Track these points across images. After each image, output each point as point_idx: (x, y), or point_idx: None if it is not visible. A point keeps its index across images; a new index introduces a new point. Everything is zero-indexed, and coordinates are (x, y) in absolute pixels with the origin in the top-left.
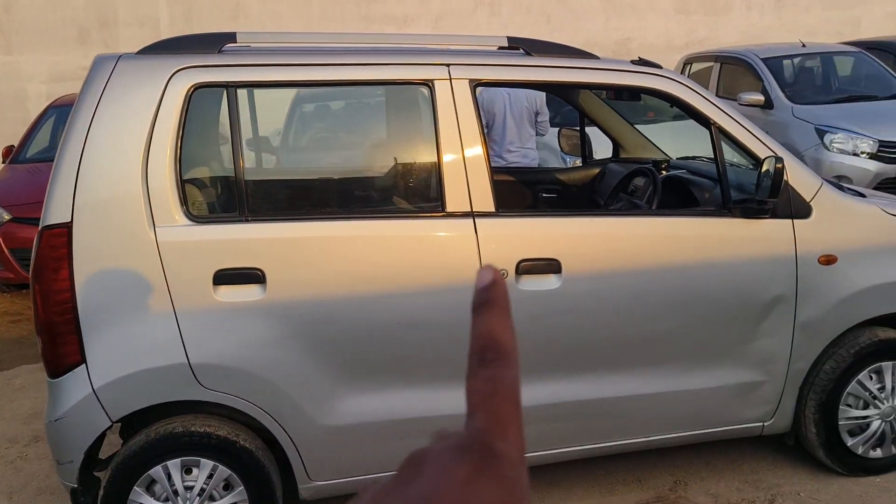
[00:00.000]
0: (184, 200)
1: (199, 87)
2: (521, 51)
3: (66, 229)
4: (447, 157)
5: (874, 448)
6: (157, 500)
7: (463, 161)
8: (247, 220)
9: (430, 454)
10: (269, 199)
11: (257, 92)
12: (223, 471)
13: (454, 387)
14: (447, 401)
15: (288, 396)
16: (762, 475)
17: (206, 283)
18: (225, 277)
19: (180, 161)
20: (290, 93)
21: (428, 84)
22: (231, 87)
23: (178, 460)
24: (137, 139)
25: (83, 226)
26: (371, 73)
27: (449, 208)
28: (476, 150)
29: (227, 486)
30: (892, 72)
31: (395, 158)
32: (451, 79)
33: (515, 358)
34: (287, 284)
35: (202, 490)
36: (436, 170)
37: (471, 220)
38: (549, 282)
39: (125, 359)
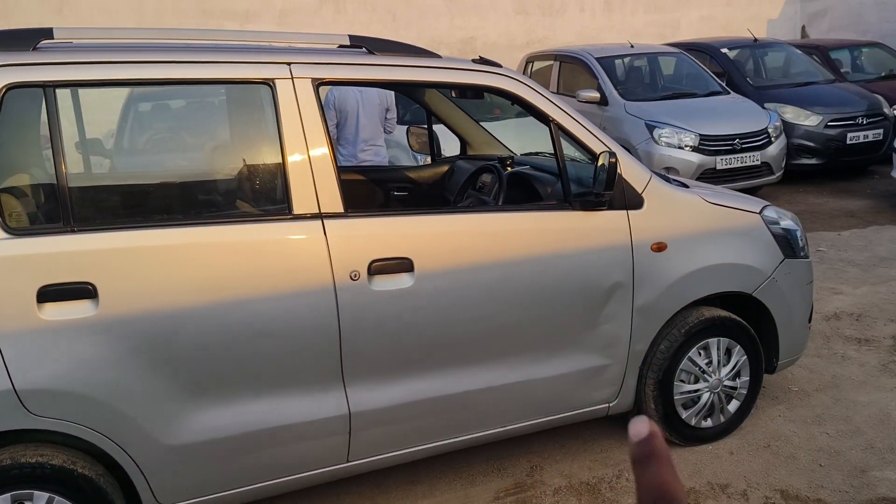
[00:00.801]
0: (0, 211)
1: (11, 87)
2: (364, 49)
3: None
4: (292, 158)
5: (705, 418)
6: None
7: (309, 161)
8: (73, 231)
9: None
10: (99, 207)
11: (83, 92)
12: (61, 502)
13: (309, 392)
14: (302, 407)
15: (128, 418)
16: (611, 452)
17: (29, 301)
18: (50, 294)
19: None
20: (124, 92)
21: (269, 83)
22: (49, 86)
23: (7, 495)
24: None
25: None
26: (208, 72)
27: (296, 210)
28: (322, 150)
29: None
30: (709, 71)
31: (239, 160)
32: (293, 77)
33: None
34: (122, 298)
35: None
36: (281, 171)
37: (319, 222)
38: (402, 280)
39: None
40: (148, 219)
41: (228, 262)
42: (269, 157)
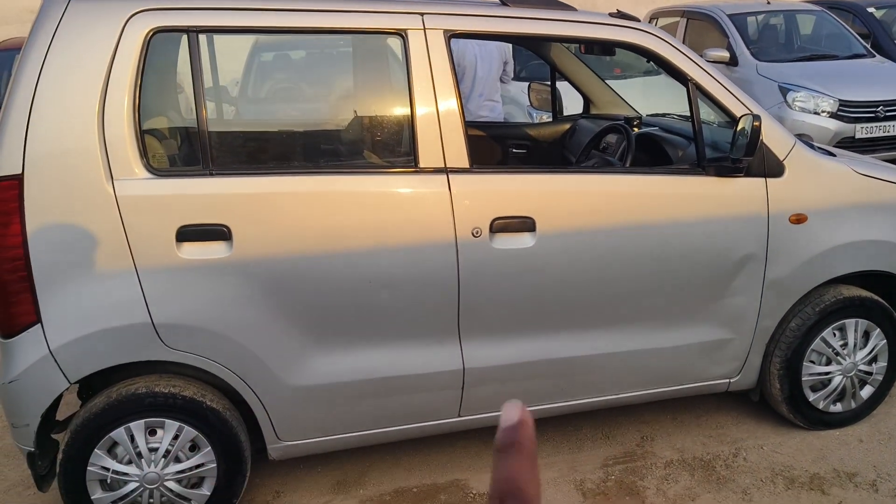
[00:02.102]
0: (143, 153)
1: (158, 31)
2: (498, 1)
3: (16, 181)
4: (420, 111)
5: (834, 403)
6: (120, 462)
7: (437, 115)
8: (211, 174)
9: None
10: (233, 153)
11: (217, 38)
12: (189, 432)
13: (425, 345)
14: (418, 359)
15: (255, 356)
16: (727, 429)
17: (168, 240)
18: (189, 234)
19: (139, 111)
20: (250, 40)
21: (401, 34)
22: (192, 31)
23: (141, 422)
24: (92, 87)
25: (35, 178)
26: (342, 21)
27: (422, 164)
28: (450, 104)
29: (194, 447)
30: (852, 31)
31: (365, 111)
32: (425, 29)
33: None
34: (254, 242)
35: (167, 452)
36: (408, 124)
37: (444, 176)
38: (524, 240)
39: (83, 318)
40: (280, 166)
41: (354, 211)
42: (397, 110)
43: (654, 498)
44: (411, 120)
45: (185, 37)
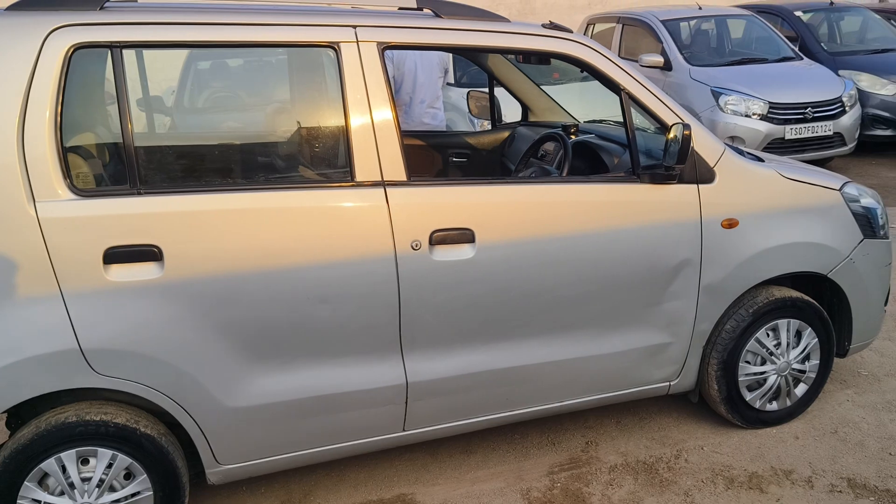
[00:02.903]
0: (67, 172)
1: (79, 46)
2: (430, 12)
3: None
4: (355, 124)
5: (770, 401)
6: (52, 493)
7: (372, 128)
8: (139, 193)
9: None
10: (163, 169)
11: (147, 50)
12: (123, 459)
13: (367, 361)
14: (360, 375)
15: (191, 379)
16: (668, 432)
17: (95, 263)
18: (116, 256)
19: (61, 129)
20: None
21: (334, 47)
22: (116, 47)
23: (72, 451)
24: (11, 105)
25: None
26: (272, 35)
27: (358, 178)
28: (386, 117)
29: (129, 475)
30: (781, 35)
31: (300, 125)
32: (358, 41)
33: None
34: (187, 261)
35: (101, 481)
36: (344, 138)
37: (382, 190)
38: (464, 251)
39: (8, 347)
40: (211, 182)
41: (290, 228)
42: (332, 123)
43: None
44: (346, 134)
45: (109, 52)
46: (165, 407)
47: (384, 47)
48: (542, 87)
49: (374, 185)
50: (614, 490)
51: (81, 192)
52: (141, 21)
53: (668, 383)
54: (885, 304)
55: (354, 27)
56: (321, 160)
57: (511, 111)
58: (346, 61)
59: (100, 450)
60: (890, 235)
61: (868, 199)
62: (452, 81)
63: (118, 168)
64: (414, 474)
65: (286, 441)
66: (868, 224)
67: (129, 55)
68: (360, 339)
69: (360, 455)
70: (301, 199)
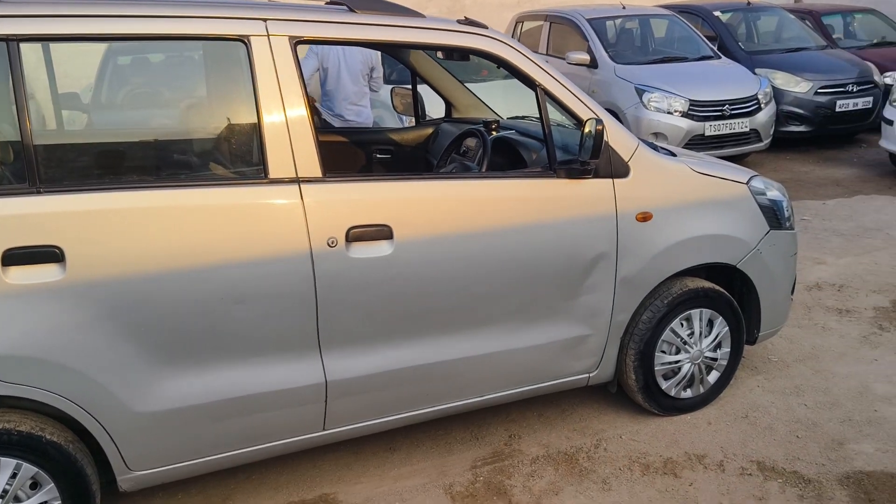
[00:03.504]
0: None
1: None
2: (345, 7)
3: None
4: (268, 120)
5: (685, 389)
6: None
7: (286, 124)
8: (38, 192)
9: None
10: (67, 167)
11: (55, 45)
12: (28, 469)
13: (285, 360)
14: (278, 375)
15: (98, 384)
16: (589, 422)
17: None
18: (16, 257)
19: None
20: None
21: (243, 40)
22: (11, 40)
23: None
24: None
25: None
26: (180, 27)
27: (272, 175)
28: (299, 113)
29: (35, 485)
30: (701, 35)
31: (214, 121)
32: (269, 35)
33: None
34: (92, 263)
35: (4, 491)
36: (257, 134)
37: (296, 187)
38: (381, 248)
39: None
40: (118, 180)
41: (202, 226)
42: (245, 119)
43: (521, 496)
44: (259, 130)
45: (6, 46)
46: (72, 414)
47: (296, 41)
48: (470, 83)
49: (289, 181)
50: (535, 481)
51: None
52: (39, 13)
53: (587, 375)
54: (792, 292)
55: (265, 20)
56: (234, 157)
57: (437, 108)
58: (257, 55)
59: (3, 459)
60: (796, 227)
61: (774, 192)
62: (382, 83)
63: (17, 166)
64: (336, 473)
65: (202, 445)
66: (774, 216)
67: (30, 49)
68: (277, 339)
69: (281, 456)
70: (213, 196)
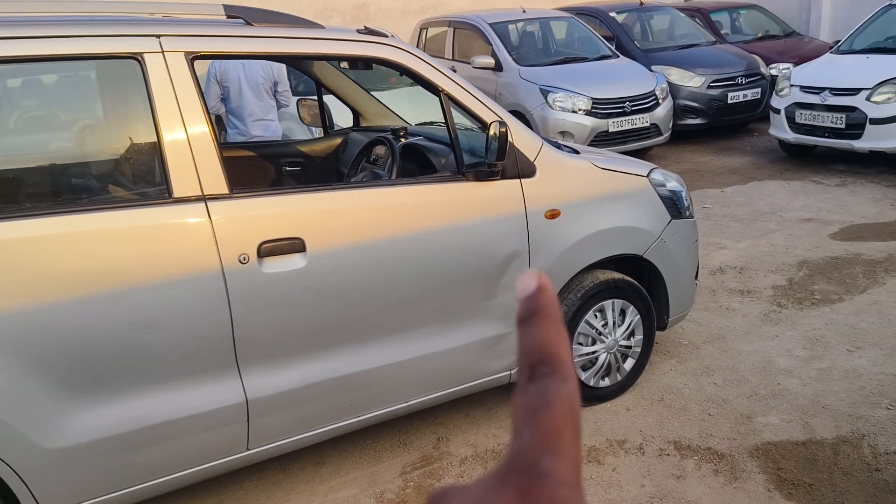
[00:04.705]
0: None
1: None
2: (242, 20)
3: None
4: (168, 138)
5: (603, 378)
6: None
7: (187, 141)
8: None
9: (464, 491)
10: None
11: None
12: None
13: (202, 382)
14: (196, 398)
15: (2, 423)
16: None
17: None
18: None
19: None
20: None
21: (137, 58)
22: None
23: None
24: None
25: None
26: (70, 47)
27: (176, 193)
28: (201, 129)
29: None
30: (599, 35)
31: (112, 142)
32: (163, 51)
33: (573, 373)
34: None
35: None
36: (157, 152)
37: (203, 204)
38: (295, 261)
39: None
40: (13, 209)
41: (105, 251)
42: (145, 138)
43: None
44: (160, 148)
45: None
46: None
47: (192, 57)
48: (378, 91)
49: (194, 200)
50: (465, 481)
51: None
52: None
53: (509, 372)
54: (696, 277)
55: (158, 37)
56: (136, 177)
57: (346, 118)
58: (152, 72)
59: None
60: (695, 215)
61: (673, 184)
62: (290, 96)
63: None
64: (265, 493)
65: (120, 477)
66: (674, 206)
67: None
68: (193, 361)
69: (206, 480)
70: (115, 219)
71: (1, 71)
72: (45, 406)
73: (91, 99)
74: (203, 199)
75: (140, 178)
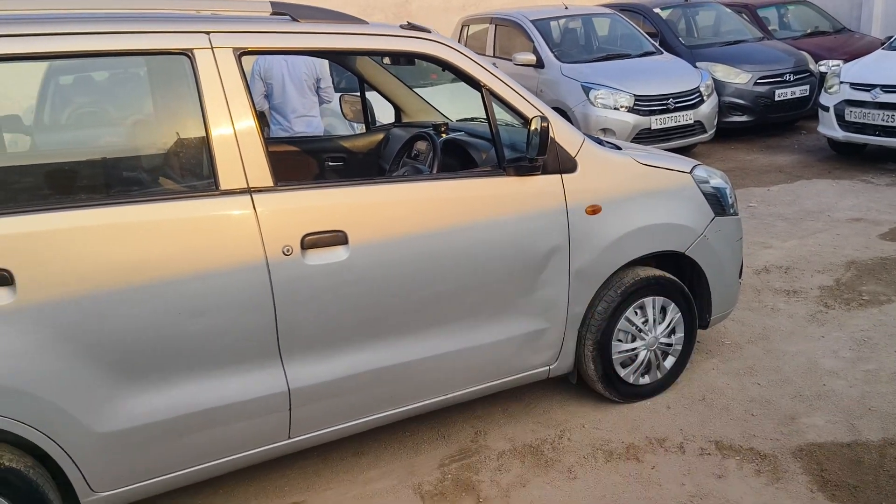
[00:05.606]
0: None
1: None
2: (288, 17)
3: None
4: (216, 132)
5: (643, 375)
6: None
7: (234, 135)
8: None
9: None
10: (14, 188)
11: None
12: None
13: (246, 371)
14: (240, 386)
15: (56, 407)
16: (552, 414)
17: None
18: None
19: None
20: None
21: (187, 54)
22: None
23: None
24: None
25: None
26: (122, 43)
27: (223, 186)
28: (247, 123)
29: None
30: (642, 31)
31: (162, 135)
32: (212, 47)
33: None
34: (43, 284)
35: None
36: (205, 146)
37: (248, 197)
38: (337, 254)
39: None
40: (67, 200)
41: (154, 242)
42: (193, 132)
43: (489, 490)
44: (208, 142)
45: None
46: (31, 438)
47: (240, 53)
48: (420, 88)
49: (240, 192)
50: (502, 475)
51: None
52: None
53: (547, 367)
54: (740, 276)
55: (208, 33)
56: (184, 170)
57: (387, 114)
58: (202, 68)
59: None
60: (740, 212)
61: (717, 180)
62: (332, 93)
63: None
64: (305, 481)
65: (167, 461)
66: (718, 203)
67: None
68: (238, 350)
69: (249, 467)
70: (164, 211)
71: (55, 67)
72: (97, 391)
73: (142, 94)
74: (249, 191)
75: (188, 170)
